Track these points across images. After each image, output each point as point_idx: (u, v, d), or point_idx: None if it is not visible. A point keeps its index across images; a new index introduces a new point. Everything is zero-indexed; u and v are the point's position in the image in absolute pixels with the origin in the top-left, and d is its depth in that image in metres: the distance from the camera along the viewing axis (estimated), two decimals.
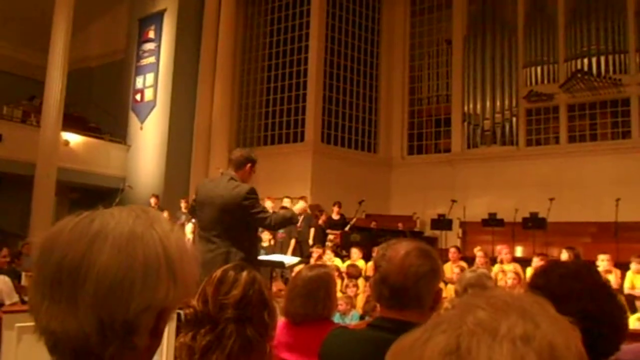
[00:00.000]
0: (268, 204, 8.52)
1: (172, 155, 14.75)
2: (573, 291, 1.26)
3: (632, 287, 7.57)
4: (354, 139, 15.91)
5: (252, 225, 4.40)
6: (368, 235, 11.46)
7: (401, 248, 1.64)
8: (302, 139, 15.01)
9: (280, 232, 9.70)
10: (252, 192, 4.24)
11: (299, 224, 7.96)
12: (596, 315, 1.16)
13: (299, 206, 4.98)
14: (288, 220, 4.53)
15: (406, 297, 1.58)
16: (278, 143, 15.49)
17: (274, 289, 6.02)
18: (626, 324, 1.34)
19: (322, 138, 15.06)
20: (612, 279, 7.67)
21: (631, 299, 7.35)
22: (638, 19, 13.21)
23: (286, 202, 9.66)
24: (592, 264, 1.24)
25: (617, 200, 9.91)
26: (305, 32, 15.43)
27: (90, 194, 14.92)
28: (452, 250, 9.19)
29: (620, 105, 13.35)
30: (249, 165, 4.37)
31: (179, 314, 2.17)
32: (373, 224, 12.80)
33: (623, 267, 7.81)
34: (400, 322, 1.54)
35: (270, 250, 9.27)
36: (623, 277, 7.65)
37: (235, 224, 4.17)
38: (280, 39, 16.01)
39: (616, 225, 9.82)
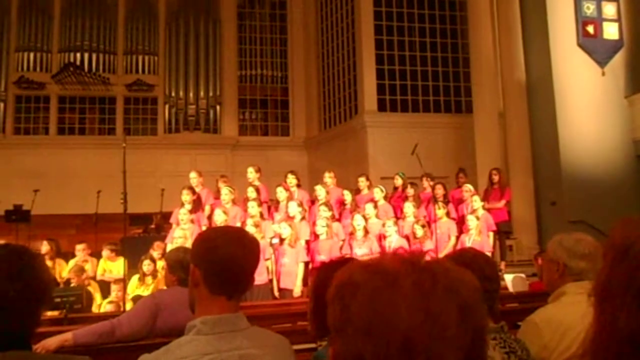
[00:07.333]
0: None
1: None
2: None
3: (104, 273, 8.21)
4: None
5: None
6: None
7: None
8: None
9: None
10: None
11: None
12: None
13: None
14: None
15: None
16: None
17: None
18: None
19: None
20: (89, 267, 8.18)
21: (105, 284, 7.97)
22: (127, 24, 14.35)
23: None
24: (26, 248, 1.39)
25: (99, 192, 10.56)
26: None
27: None
28: None
29: (108, 103, 14.23)
30: None
31: None
32: None
33: (100, 255, 8.41)
34: None
35: None
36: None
37: None
38: None
39: (97, 217, 10.48)
